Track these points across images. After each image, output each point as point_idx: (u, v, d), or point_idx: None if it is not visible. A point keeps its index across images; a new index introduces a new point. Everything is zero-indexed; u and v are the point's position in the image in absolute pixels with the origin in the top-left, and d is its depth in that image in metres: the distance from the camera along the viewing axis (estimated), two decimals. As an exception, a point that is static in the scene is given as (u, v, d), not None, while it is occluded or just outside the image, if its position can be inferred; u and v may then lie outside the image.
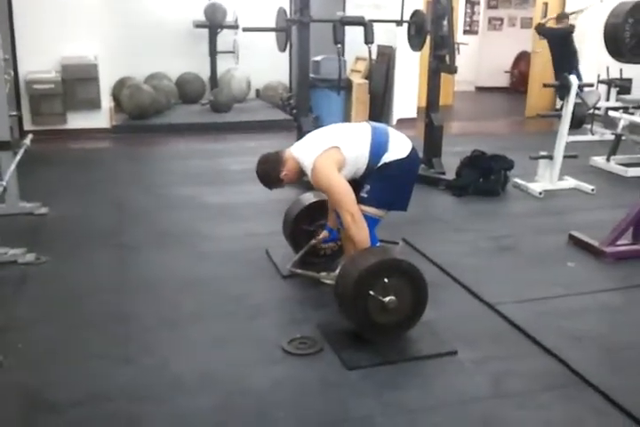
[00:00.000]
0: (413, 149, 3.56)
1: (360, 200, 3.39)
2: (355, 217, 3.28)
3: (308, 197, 4.18)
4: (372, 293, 3.06)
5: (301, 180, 3.64)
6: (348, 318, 3.19)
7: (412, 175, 3.66)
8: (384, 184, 3.47)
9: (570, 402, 2.79)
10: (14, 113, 5.78)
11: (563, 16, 8.97)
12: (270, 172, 3.54)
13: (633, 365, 3.10)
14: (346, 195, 3.31)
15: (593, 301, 3.75)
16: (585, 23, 8.81)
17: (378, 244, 3.57)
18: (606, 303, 3.73)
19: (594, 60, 8.79)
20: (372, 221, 3.43)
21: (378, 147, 3.45)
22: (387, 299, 3.06)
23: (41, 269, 4.10)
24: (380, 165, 3.45)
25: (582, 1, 9.46)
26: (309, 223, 4.09)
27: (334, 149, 3.38)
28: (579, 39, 8.82)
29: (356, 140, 3.47)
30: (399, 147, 3.49)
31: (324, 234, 3.91)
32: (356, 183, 3.43)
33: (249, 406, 2.74)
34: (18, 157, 4.77)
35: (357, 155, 3.42)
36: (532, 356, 3.14)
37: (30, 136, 5.25)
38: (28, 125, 7.73)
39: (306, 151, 3.46)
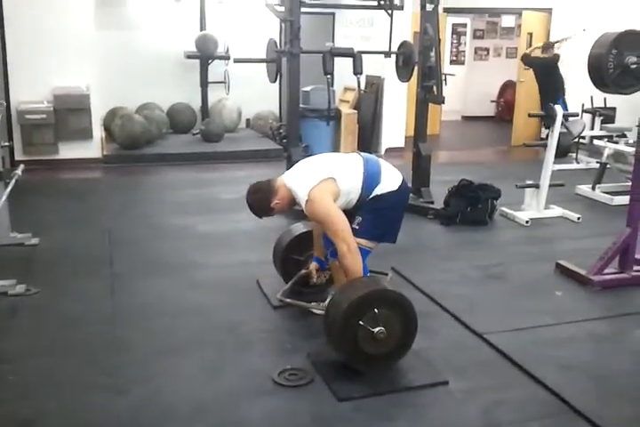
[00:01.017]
0: (404, 181, 3.62)
1: (352, 232, 3.41)
2: (350, 247, 3.30)
3: (299, 227, 4.22)
4: (361, 322, 3.08)
5: (292, 209, 3.67)
6: (337, 349, 3.20)
7: (402, 208, 3.71)
8: (376, 216, 3.51)
9: (560, 432, 2.82)
10: (6, 143, 5.80)
11: (548, 46, 9.12)
12: (262, 201, 3.55)
13: (622, 393, 3.13)
14: (343, 225, 3.32)
15: (581, 330, 3.78)
16: (569, 53, 8.97)
17: (368, 275, 3.60)
18: (594, 332, 3.77)
19: (578, 90, 8.94)
20: (363, 253, 3.45)
21: (370, 179, 3.49)
22: (376, 329, 3.08)
23: (32, 300, 4.09)
24: (372, 196, 3.49)
25: (567, 31, 9.64)
26: (300, 253, 4.12)
27: (330, 181, 3.41)
28: (564, 69, 8.97)
29: (349, 171, 3.50)
30: (391, 179, 3.54)
31: (313, 265, 3.93)
32: (347, 214, 3.45)
33: (240, 438, 2.75)
34: (9, 188, 4.78)
35: (351, 186, 3.47)
36: (521, 385, 3.17)
37: (22, 166, 5.26)
38: (19, 155, 7.75)
39: (300, 181, 3.46)
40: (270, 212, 3.58)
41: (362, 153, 3.71)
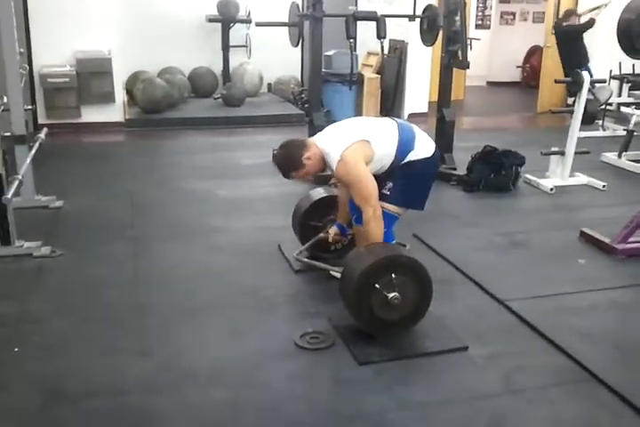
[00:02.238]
0: (436, 148, 3.57)
1: (382, 197, 3.37)
2: (376, 213, 3.28)
3: (318, 193, 4.20)
4: (377, 286, 3.07)
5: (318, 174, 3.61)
6: (351, 313, 3.20)
7: (433, 175, 3.67)
8: (407, 182, 3.47)
9: (581, 399, 2.81)
10: (29, 107, 5.82)
11: (570, 13, 8.93)
12: (293, 154, 3.40)
13: (643, 361, 3.12)
14: (373, 190, 3.28)
15: (604, 298, 3.75)
16: (597, 18, 8.76)
17: (394, 241, 3.60)
18: (617, 300, 3.74)
19: (606, 56, 8.76)
20: (391, 219, 3.45)
21: (405, 144, 3.43)
22: (391, 295, 3.08)
23: (56, 261, 4.15)
24: (404, 162, 3.44)
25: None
26: (318, 219, 4.10)
27: (364, 143, 3.34)
28: (591, 34, 8.78)
29: (384, 136, 3.43)
30: (424, 146, 3.49)
31: (333, 230, 3.92)
32: (376, 179, 3.38)
33: (261, 400, 2.77)
34: (33, 151, 4.82)
35: (386, 151, 3.41)
36: (542, 352, 3.16)
37: (45, 130, 5.30)
38: (42, 119, 7.78)
39: (333, 142, 3.37)
40: (300, 167, 3.39)
41: (395, 118, 3.65)
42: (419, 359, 3.09)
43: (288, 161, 3.44)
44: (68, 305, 3.60)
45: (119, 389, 2.83)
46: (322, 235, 4.02)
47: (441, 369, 3.03)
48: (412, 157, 3.44)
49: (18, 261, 4.13)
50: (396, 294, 3.09)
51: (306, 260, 3.92)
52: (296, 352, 3.12)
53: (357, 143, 3.33)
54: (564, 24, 8.89)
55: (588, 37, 8.83)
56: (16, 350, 3.12)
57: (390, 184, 3.46)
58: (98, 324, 3.39)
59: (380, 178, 3.42)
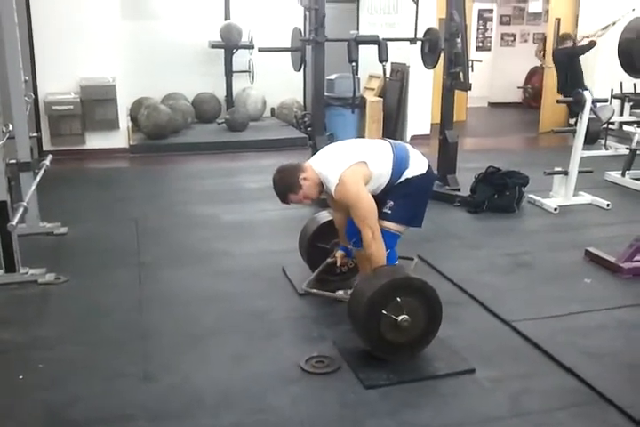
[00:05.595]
0: (430, 165, 3.61)
1: (383, 216, 3.39)
2: (375, 235, 3.29)
3: (324, 215, 4.21)
4: (384, 312, 3.07)
5: (318, 198, 3.62)
6: (362, 338, 3.20)
7: (430, 192, 3.72)
8: (406, 200, 3.49)
9: (589, 420, 2.78)
10: (34, 134, 5.86)
11: (566, 37, 9.02)
12: (289, 176, 3.41)
13: (652, 382, 3.08)
14: (372, 211, 3.30)
15: (611, 317, 3.73)
16: (598, 38, 8.83)
17: (396, 262, 3.59)
18: (624, 320, 3.71)
19: (607, 75, 8.80)
20: (393, 237, 3.46)
21: (400, 163, 3.47)
22: (400, 317, 3.07)
23: (61, 288, 4.15)
24: (400, 180, 3.47)
25: (599, 16, 9.46)
26: (325, 241, 4.11)
27: (362, 164, 3.37)
28: (593, 54, 8.84)
29: (380, 156, 3.46)
30: (418, 163, 3.53)
31: (339, 253, 3.92)
32: (375, 199, 3.39)
33: (268, 425, 2.75)
34: (38, 178, 4.83)
35: (382, 171, 3.43)
36: (550, 374, 3.14)
37: (50, 157, 5.32)
38: (47, 146, 7.83)
39: (330, 165, 3.39)
40: (297, 188, 3.39)
41: (388, 139, 3.69)
42: (425, 382, 3.07)
43: (285, 183, 3.44)
44: (73, 331, 3.59)
45: (125, 415, 2.81)
46: (329, 260, 4.01)
47: (448, 392, 3.00)
48: (407, 174, 3.47)
49: (23, 288, 4.13)
50: (405, 316, 3.08)
51: (315, 291, 3.88)
52: (302, 376, 3.10)
53: (355, 165, 3.35)
54: (560, 47, 8.99)
55: (590, 57, 8.90)
56: (21, 377, 3.10)
57: (391, 203, 3.47)
58: (103, 350, 3.38)
59: (379, 198, 3.43)
